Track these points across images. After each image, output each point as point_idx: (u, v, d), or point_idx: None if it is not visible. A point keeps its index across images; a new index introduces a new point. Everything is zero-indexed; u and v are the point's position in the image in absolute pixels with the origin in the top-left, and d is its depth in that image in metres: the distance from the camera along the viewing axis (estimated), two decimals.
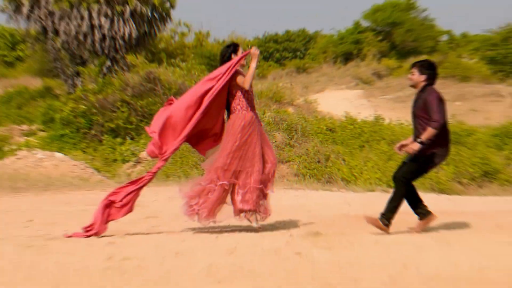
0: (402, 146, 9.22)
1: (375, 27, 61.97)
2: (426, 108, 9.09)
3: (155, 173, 9.57)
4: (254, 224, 9.47)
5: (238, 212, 9.44)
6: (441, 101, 9.07)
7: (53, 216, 11.44)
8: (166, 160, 9.46)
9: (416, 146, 9.00)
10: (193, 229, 9.82)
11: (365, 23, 63.16)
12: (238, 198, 9.39)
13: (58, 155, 19.04)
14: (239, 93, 9.42)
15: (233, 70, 9.37)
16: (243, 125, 9.33)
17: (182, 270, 6.81)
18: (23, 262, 7.27)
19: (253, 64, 9.37)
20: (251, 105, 9.49)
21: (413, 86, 9.41)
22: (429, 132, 8.97)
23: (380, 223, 9.17)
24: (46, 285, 6.36)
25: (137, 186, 9.43)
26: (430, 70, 9.30)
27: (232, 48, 9.71)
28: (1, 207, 12.78)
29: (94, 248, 8.05)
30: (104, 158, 22.37)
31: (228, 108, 9.52)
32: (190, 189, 9.49)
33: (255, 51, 9.48)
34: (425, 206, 9.46)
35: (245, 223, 9.79)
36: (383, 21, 60.96)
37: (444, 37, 67.17)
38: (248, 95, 9.48)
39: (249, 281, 6.36)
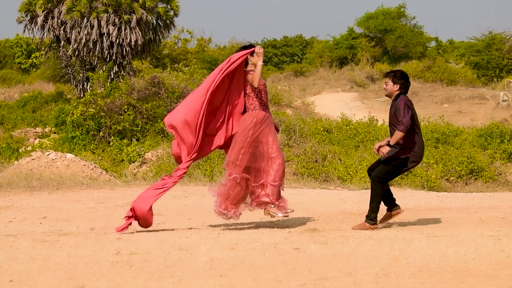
0: (380, 147, 9.24)
1: (368, 34, 61.99)
2: (396, 114, 9.15)
3: (180, 176, 9.40)
4: (279, 214, 9.24)
5: (259, 205, 9.30)
6: (408, 106, 9.10)
7: (65, 213, 11.46)
8: (188, 166, 9.33)
9: (386, 150, 9.06)
10: (196, 226, 9.84)
11: (358, 30, 63.19)
12: (258, 193, 9.28)
13: (69, 155, 19.04)
14: (252, 93, 9.33)
15: (234, 64, 9.28)
16: (255, 122, 9.20)
17: (185, 264, 6.84)
18: (38, 256, 7.31)
19: (259, 62, 9.27)
20: (264, 104, 9.36)
21: (388, 95, 9.43)
22: (396, 135, 9.04)
23: (368, 225, 9.21)
24: (59, 276, 6.39)
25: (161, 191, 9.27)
26: (402, 79, 9.33)
27: (248, 48, 9.51)
28: (18, 204, 12.80)
29: (103, 243, 8.07)
30: (112, 158, 22.37)
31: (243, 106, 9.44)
32: (218, 188, 9.38)
33: (259, 49, 9.36)
34: (394, 199, 9.53)
35: (250, 218, 9.80)
36: (375, 28, 60.97)
37: (432, 43, 67.22)
38: (260, 94, 9.34)
39: (250, 275, 6.38)
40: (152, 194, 9.18)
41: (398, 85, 9.30)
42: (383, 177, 9.20)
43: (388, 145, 9.08)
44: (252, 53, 9.40)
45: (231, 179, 9.18)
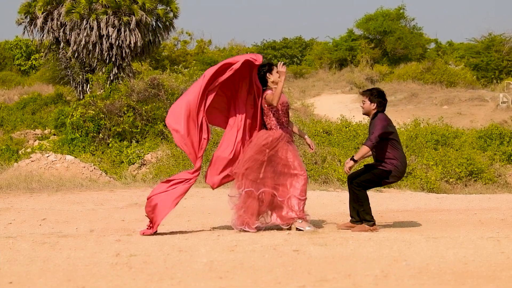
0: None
1: (367, 35, 62.03)
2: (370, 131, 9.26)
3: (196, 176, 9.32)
4: (307, 228, 9.21)
5: (287, 220, 9.28)
6: (384, 125, 9.14)
7: (64, 215, 11.46)
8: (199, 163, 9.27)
9: (349, 164, 9.13)
10: (196, 227, 9.84)
11: (358, 31, 63.23)
12: (284, 208, 9.25)
13: (69, 157, 19.04)
14: (269, 112, 9.27)
15: (227, 74, 9.24)
16: (270, 140, 9.18)
17: (185, 265, 6.84)
18: (37, 257, 7.31)
19: (281, 81, 9.18)
20: (282, 122, 9.32)
21: (366, 114, 9.47)
22: (361, 150, 9.16)
23: (367, 226, 9.21)
24: (59, 278, 6.39)
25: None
26: (379, 98, 9.38)
27: (267, 67, 9.44)
28: (17, 206, 12.81)
29: (103, 245, 8.08)
30: (111, 160, 22.37)
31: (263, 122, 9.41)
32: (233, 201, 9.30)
33: (282, 68, 9.27)
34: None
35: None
36: (374, 30, 61.00)
37: (432, 45, 67.25)
38: (277, 113, 9.28)
39: (249, 276, 6.39)
40: (169, 200, 9.16)
41: (375, 104, 9.37)
42: (363, 184, 9.23)
43: (352, 159, 9.12)
44: (271, 71, 9.36)
45: (243, 193, 9.17)
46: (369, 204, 9.26)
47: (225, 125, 9.58)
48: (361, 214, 9.25)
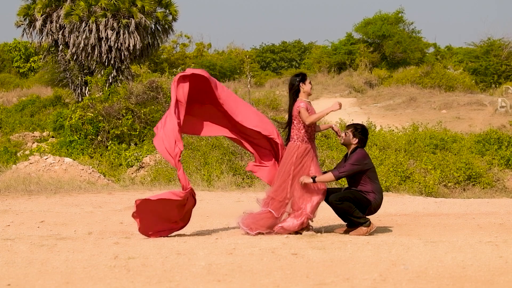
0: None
1: (366, 39, 62.10)
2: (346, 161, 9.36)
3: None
4: (305, 232, 9.30)
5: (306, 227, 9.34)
6: (360, 162, 9.19)
7: (63, 217, 11.45)
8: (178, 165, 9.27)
9: (306, 180, 9.14)
10: (194, 231, 9.83)
11: (356, 35, 63.31)
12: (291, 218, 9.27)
13: (67, 160, 19.05)
14: (299, 124, 9.22)
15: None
16: (296, 155, 9.16)
17: (183, 268, 6.84)
18: (35, 260, 7.31)
19: (326, 111, 9.18)
20: (310, 137, 9.29)
21: (344, 145, 9.52)
22: (326, 176, 9.22)
23: (364, 228, 9.20)
24: (57, 280, 6.39)
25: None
26: (362, 135, 9.46)
27: (300, 77, 9.40)
28: (15, 208, 12.80)
29: (101, 248, 8.07)
30: (109, 163, 22.37)
31: (288, 134, 9.38)
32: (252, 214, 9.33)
33: (336, 107, 9.16)
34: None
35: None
36: (373, 34, 61.08)
37: (431, 49, 67.33)
38: (307, 128, 9.25)
39: (247, 280, 6.39)
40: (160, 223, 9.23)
41: (357, 140, 9.44)
42: (343, 198, 9.21)
43: (313, 179, 9.15)
44: (304, 81, 9.33)
45: (266, 211, 9.20)
46: (356, 209, 9.22)
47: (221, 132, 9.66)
48: (354, 221, 9.25)
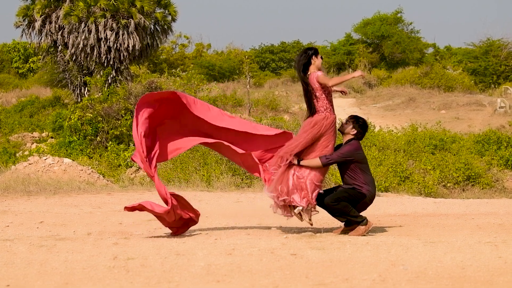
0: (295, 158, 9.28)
1: (365, 40, 62.14)
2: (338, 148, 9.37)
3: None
4: (304, 218, 9.30)
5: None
6: (351, 153, 9.21)
7: (62, 218, 11.45)
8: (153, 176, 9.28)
9: (294, 160, 9.18)
10: (193, 231, 9.83)
11: (356, 36, 63.35)
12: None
13: (67, 160, 19.05)
14: (322, 95, 9.19)
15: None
16: (325, 125, 9.13)
17: (182, 269, 6.84)
18: (35, 260, 7.31)
19: (348, 77, 9.12)
20: (333, 108, 9.32)
21: (341, 131, 9.53)
22: (313, 161, 9.15)
23: (362, 227, 9.19)
24: (56, 281, 6.39)
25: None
26: (361, 129, 9.47)
27: (313, 50, 9.36)
28: (15, 209, 12.80)
29: (100, 248, 8.07)
30: (109, 163, 22.38)
31: (310, 108, 9.30)
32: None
33: (357, 73, 9.09)
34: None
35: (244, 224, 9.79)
36: (372, 34, 61.12)
37: (430, 50, 67.36)
38: (330, 96, 9.24)
39: (247, 280, 6.39)
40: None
41: (355, 131, 9.46)
42: (338, 199, 9.20)
43: (298, 162, 9.16)
44: (317, 54, 9.30)
45: (283, 165, 9.17)
46: (352, 208, 9.22)
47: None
48: (351, 220, 9.24)
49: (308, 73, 9.29)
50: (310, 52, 9.37)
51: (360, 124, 9.51)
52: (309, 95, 9.30)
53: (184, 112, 9.52)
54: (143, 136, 9.10)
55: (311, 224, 9.40)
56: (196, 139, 9.63)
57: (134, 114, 9.27)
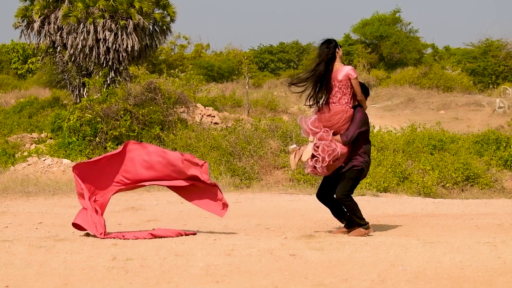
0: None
1: (364, 40, 62.15)
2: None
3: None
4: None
5: None
6: (364, 122, 9.24)
7: (61, 219, 11.45)
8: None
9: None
10: (192, 232, 9.83)
11: (354, 36, 63.35)
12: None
13: (66, 161, 19.05)
14: (347, 90, 9.13)
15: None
16: (345, 118, 9.12)
17: (181, 269, 6.84)
18: (34, 261, 7.31)
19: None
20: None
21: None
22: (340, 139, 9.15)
23: (363, 230, 9.20)
24: (55, 281, 6.39)
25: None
26: (364, 93, 9.38)
27: (334, 42, 9.33)
28: (14, 210, 12.80)
29: (100, 249, 8.07)
30: None
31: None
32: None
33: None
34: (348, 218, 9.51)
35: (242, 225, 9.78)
36: (371, 35, 61.11)
37: (429, 50, 67.38)
38: (351, 93, 9.23)
39: (246, 281, 6.39)
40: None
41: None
42: (349, 192, 9.22)
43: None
44: (340, 47, 9.30)
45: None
46: (359, 210, 9.25)
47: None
48: (354, 220, 9.25)
49: (335, 64, 9.24)
50: (333, 44, 9.30)
51: (363, 89, 9.45)
52: (326, 86, 9.22)
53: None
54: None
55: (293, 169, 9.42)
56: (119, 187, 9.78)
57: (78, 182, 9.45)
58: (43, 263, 7.21)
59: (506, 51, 57.41)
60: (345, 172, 9.23)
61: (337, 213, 9.54)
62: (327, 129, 9.12)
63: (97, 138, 23.97)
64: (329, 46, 9.26)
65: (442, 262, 7.13)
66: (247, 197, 15.42)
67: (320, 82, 9.19)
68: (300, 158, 9.33)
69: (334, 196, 9.36)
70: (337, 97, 9.17)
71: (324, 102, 9.17)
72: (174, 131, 23.32)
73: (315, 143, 9.12)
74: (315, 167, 9.21)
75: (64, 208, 13.19)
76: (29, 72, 58.27)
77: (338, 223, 10.71)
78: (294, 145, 9.37)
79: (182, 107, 26.52)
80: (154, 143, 22.90)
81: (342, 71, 9.18)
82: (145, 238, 8.95)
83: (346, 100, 9.16)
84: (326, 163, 9.06)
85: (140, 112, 24.13)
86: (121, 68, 36.46)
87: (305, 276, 6.51)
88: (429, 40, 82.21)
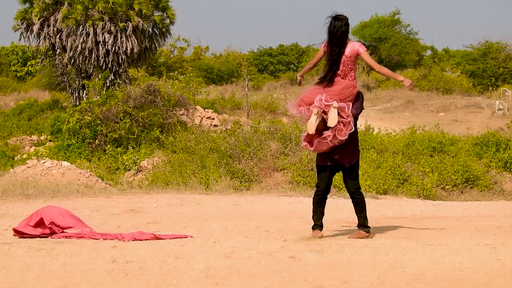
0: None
1: (363, 42, 62.12)
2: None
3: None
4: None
5: None
6: (363, 100, 9.30)
7: None
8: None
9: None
10: (192, 234, 9.83)
11: (353, 39, 63.27)
12: None
13: (65, 163, 19.04)
14: (354, 66, 9.21)
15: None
16: (351, 95, 9.12)
17: (181, 272, 6.84)
18: (33, 264, 7.31)
19: (398, 77, 9.38)
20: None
21: None
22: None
23: (364, 233, 9.19)
24: (55, 284, 6.38)
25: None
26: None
27: (345, 20, 9.42)
28: (13, 212, 12.80)
29: (99, 251, 8.07)
30: (107, 166, 22.38)
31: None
32: None
33: (409, 84, 9.25)
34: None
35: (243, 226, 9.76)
36: (370, 37, 61.13)
37: (428, 52, 67.42)
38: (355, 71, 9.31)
39: (245, 283, 6.39)
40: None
41: None
42: (359, 184, 9.26)
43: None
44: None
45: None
46: (366, 209, 9.27)
47: None
48: (362, 219, 9.22)
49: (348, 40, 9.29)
50: (344, 22, 9.44)
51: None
52: (337, 63, 9.22)
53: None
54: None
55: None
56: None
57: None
58: (42, 265, 7.21)
59: (505, 53, 57.45)
60: (349, 167, 9.21)
61: (322, 213, 9.45)
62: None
63: (96, 141, 24.01)
64: (340, 24, 9.40)
65: (442, 264, 7.13)
66: (247, 199, 15.42)
67: (336, 62, 9.25)
68: (318, 123, 9.21)
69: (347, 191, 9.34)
70: (344, 72, 9.21)
71: (333, 76, 9.21)
72: (173, 134, 23.33)
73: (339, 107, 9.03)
74: (317, 140, 9.17)
75: None
76: (28, 75, 58.30)
77: (338, 225, 10.72)
78: (317, 109, 9.23)
79: (181, 110, 26.55)
80: (153, 146, 22.93)
81: (350, 46, 9.27)
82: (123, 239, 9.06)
83: (353, 76, 9.23)
84: (348, 130, 8.95)
85: (140, 115, 24.15)
86: (121, 70, 36.48)
87: (304, 278, 6.51)
88: (428, 42, 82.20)
